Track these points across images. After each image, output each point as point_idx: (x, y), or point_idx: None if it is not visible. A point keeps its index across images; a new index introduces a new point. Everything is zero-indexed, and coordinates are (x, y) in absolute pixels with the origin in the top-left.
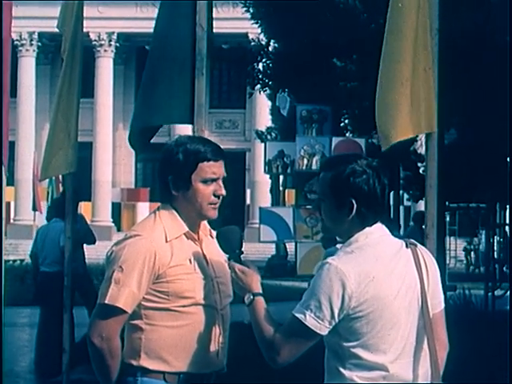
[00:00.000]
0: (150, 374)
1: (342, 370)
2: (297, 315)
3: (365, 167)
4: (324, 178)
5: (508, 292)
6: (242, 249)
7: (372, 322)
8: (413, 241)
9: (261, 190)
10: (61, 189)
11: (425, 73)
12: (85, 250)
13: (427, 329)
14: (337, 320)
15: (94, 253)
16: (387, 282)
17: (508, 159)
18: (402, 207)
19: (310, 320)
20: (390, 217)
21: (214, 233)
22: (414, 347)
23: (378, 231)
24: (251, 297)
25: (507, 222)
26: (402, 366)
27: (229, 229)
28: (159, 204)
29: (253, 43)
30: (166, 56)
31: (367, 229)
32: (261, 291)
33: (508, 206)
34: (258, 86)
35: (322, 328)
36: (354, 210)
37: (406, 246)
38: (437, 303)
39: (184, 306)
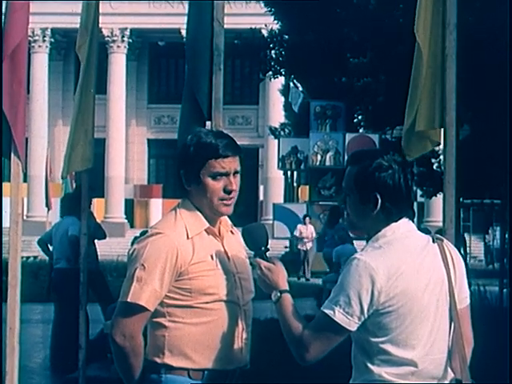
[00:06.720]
0: (174, 371)
1: (370, 365)
2: (326, 311)
3: (391, 162)
4: (350, 173)
5: None
6: (268, 246)
7: (401, 318)
8: (439, 236)
9: (274, 186)
10: (74, 185)
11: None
12: (97, 246)
13: (455, 324)
14: (366, 315)
15: (107, 249)
16: (416, 276)
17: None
18: (415, 203)
19: (339, 316)
20: None
21: (235, 229)
22: (444, 343)
23: (404, 226)
24: (278, 294)
25: None
26: (432, 361)
27: (254, 226)
28: (178, 201)
29: (266, 33)
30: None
31: (394, 224)
32: (287, 288)
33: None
34: (270, 72)
35: (352, 324)
36: (378, 204)
37: (433, 241)
38: (463, 298)
39: (207, 303)
